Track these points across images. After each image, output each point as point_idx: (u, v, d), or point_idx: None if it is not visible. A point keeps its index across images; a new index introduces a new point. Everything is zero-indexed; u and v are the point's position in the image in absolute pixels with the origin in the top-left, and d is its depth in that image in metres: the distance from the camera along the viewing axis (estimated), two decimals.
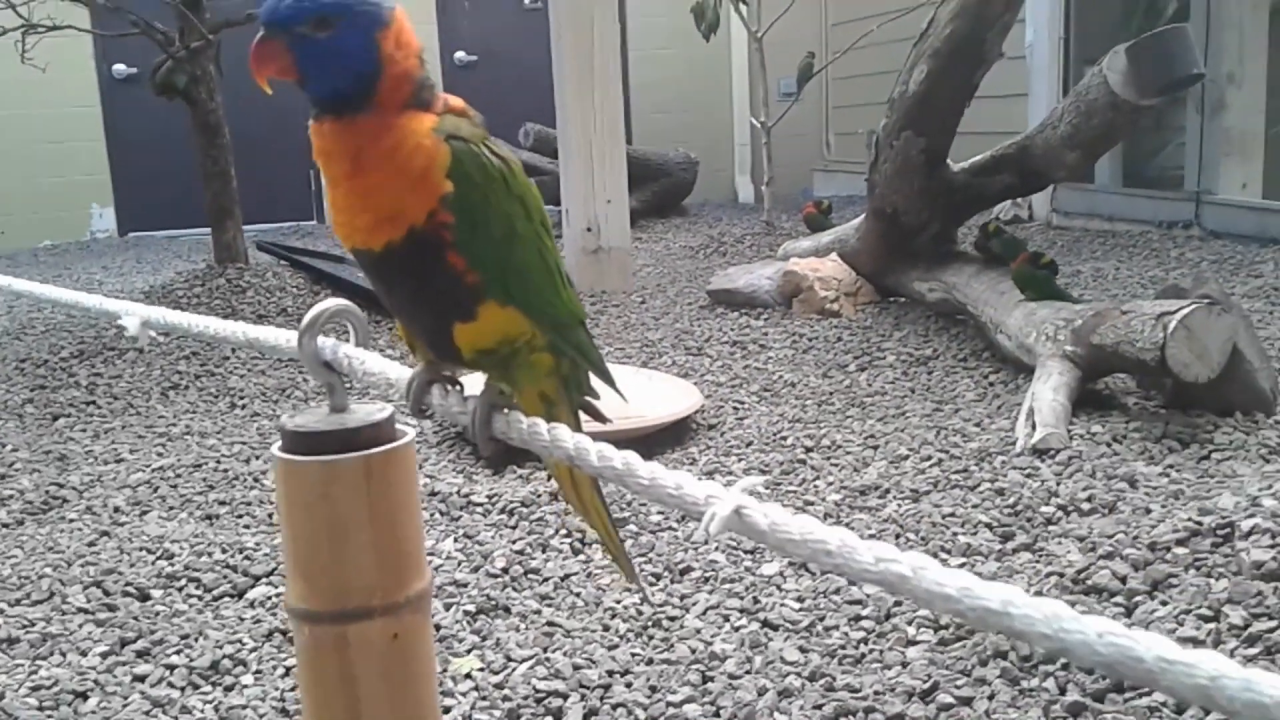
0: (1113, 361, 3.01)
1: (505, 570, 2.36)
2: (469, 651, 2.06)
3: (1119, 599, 1.83)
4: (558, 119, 5.46)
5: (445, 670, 1.98)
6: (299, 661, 0.80)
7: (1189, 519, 1.95)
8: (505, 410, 0.96)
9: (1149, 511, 2.27)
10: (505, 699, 1.88)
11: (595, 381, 1.19)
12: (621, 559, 1.34)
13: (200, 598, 2.35)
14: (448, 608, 2.20)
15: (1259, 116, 5.88)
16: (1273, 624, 1.59)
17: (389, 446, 0.80)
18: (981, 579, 0.52)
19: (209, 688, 2.00)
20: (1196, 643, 1.61)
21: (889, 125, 4.17)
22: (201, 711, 1.91)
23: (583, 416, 1.18)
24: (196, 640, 2.15)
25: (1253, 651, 1.56)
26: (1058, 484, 2.56)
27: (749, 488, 0.65)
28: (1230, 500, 1.97)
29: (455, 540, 2.54)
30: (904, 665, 1.89)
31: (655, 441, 3.18)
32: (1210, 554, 1.83)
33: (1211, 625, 1.63)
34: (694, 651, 2.00)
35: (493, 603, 2.22)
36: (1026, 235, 6.01)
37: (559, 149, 5.60)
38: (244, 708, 1.89)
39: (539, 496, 2.73)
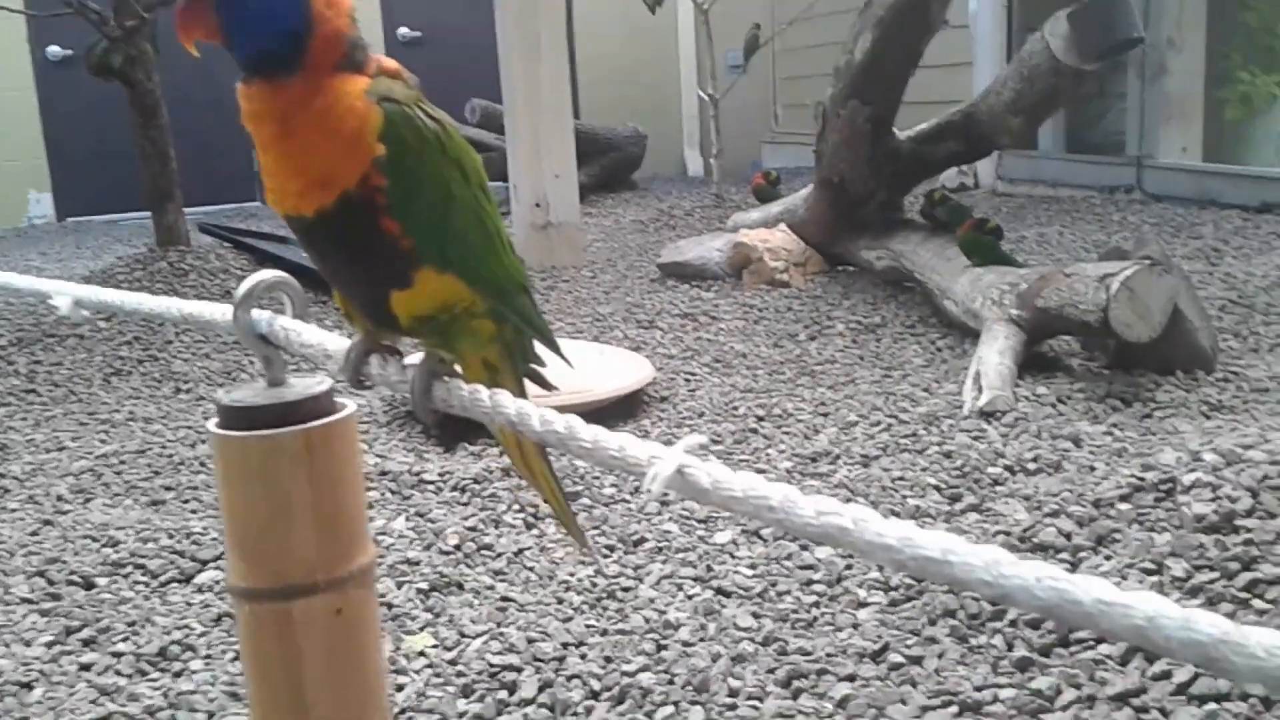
0: (1057, 324, 3.05)
1: (458, 547, 2.35)
2: (422, 629, 2.05)
3: (1064, 555, 1.86)
4: (503, 94, 5.41)
5: (398, 648, 1.97)
6: (242, 641, 0.79)
7: (1132, 475, 1.98)
8: (446, 378, 0.95)
9: (1093, 469, 2.30)
10: (459, 674, 1.87)
11: (545, 352, 1.18)
12: (573, 528, 1.33)
13: (147, 584, 2.32)
14: (400, 586, 2.19)
15: (1198, 81, 5.97)
16: (1214, 575, 1.62)
17: (329, 419, 0.78)
18: (921, 530, 0.52)
19: (157, 674, 1.97)
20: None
21: (835, 94, 4.17)
22: (150, 698, 1.88)
23: (537, 391, 1.16)
24: (144, 627, 2.12)
25: (1195, 603, 1.58)
26: (1004, 445, 2.59)
27: (691, 446, 0.65)
28: (1172, 456, 2.01)
29: (407, 519, 2.52)
30: (855, 627, 1.90)
31: (608, 415, 3.17)
32: (1153, 509, 1.86)
33: (1155, 578, 1.66)
34: (648, 621, 2.01)
35: (445, 580, 2.21)
36: (972, 202, 6.06)
37: (505, 124, 5.55)
38: (193, 693, 1.87)
39: (491, 473, 2.72)
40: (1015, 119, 3.66)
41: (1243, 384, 2.94)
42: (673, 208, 7.21)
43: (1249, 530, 1.64)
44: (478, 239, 1.02)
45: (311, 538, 0.74)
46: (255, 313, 0.90)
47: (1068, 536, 1.89)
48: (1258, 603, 1.54)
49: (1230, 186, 5.48)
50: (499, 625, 2.02)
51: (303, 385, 0.82)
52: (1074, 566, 1.81)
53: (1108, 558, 1.78)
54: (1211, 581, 1.59)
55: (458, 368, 1.04)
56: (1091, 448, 2.51)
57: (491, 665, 1.88)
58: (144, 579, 2.33)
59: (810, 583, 2.10)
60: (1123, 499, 1.91)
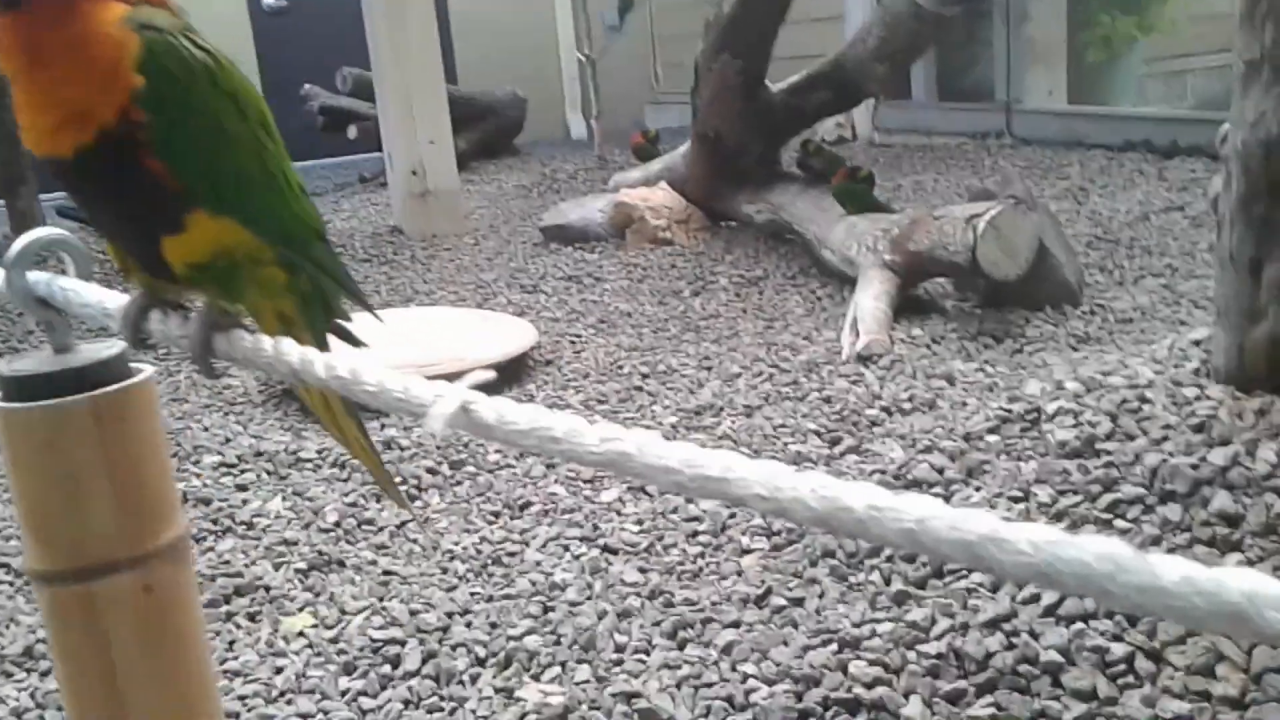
0: (929, 266, 3.10)
1: (338, 524, 2.29)
2: (301, 609, 2.00)
3: (937, 489, 1.89)
4: (371, 60, 5.27)
5: (276, 630, 1.92)
6: (46, 628, 0.74)
7: (1000, 408, 2.02)
8: (228, 330, 0.87)
9: (965, 405, 2.35)
10: (340, 652, 1.82)
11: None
12: (389, 488, 1.30)
13: (11, 583, 2.21)
14: (278, 568, 2.13)
15: (1061, 25, 6.12)
16: (1078, 498, 1.66)
17: (121, 385, 0.73)
18: (702, 449, 0.50)
19: (23, 674, 1.88)
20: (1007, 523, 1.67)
21: (707, 48, 4.16)
22: (16, 699, 1.80)
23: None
24: (8, 628, 2.02)
25: (1060, 526, 1.62)
26: (881, 387, 2.63)
27: (476, 382, 0.62)
28: (1037, 386, 2.05)
29: (284, 498, 2.45)
30: (739, 574, 1.91)
31: (491, 381, 3.13)
32: (1019, 439, 1.90)
33: (1022, 505, 1.70)
34: (534, 584, 1.99)
35: (325, 558, 2.16)
36: (850, 154, 6.13)
37: (375, 91, 5.41)
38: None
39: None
40: (881, 66, 3.70)
41: (1108, 316, 3.03)
42: (556, 171, 7.14)
43: (1109, 453, 1.69)
44: (258, 180, 0.95)
45: (109, 512, 0.69)
46: (34, 274, 0.84)
47: (940, 471, 1.93)
48: (1119, 523, 1.59)
49: (1095, 127, 5.65)
50: (381, 600, 1.98)
51: (91, 350, 0.77)
52: (947, 499, 1.85)
53: (977, 489, 1.81)
54: (1075, 505, 1.64)
55: (248, 321, 0.98)
56: (964, 385, 2.56)
57: (374, 640, 1.85)
58: (8, 578, 2.22)
59: (695, 534, 2.10)
60: (991, 431, 1.95)
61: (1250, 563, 1.44)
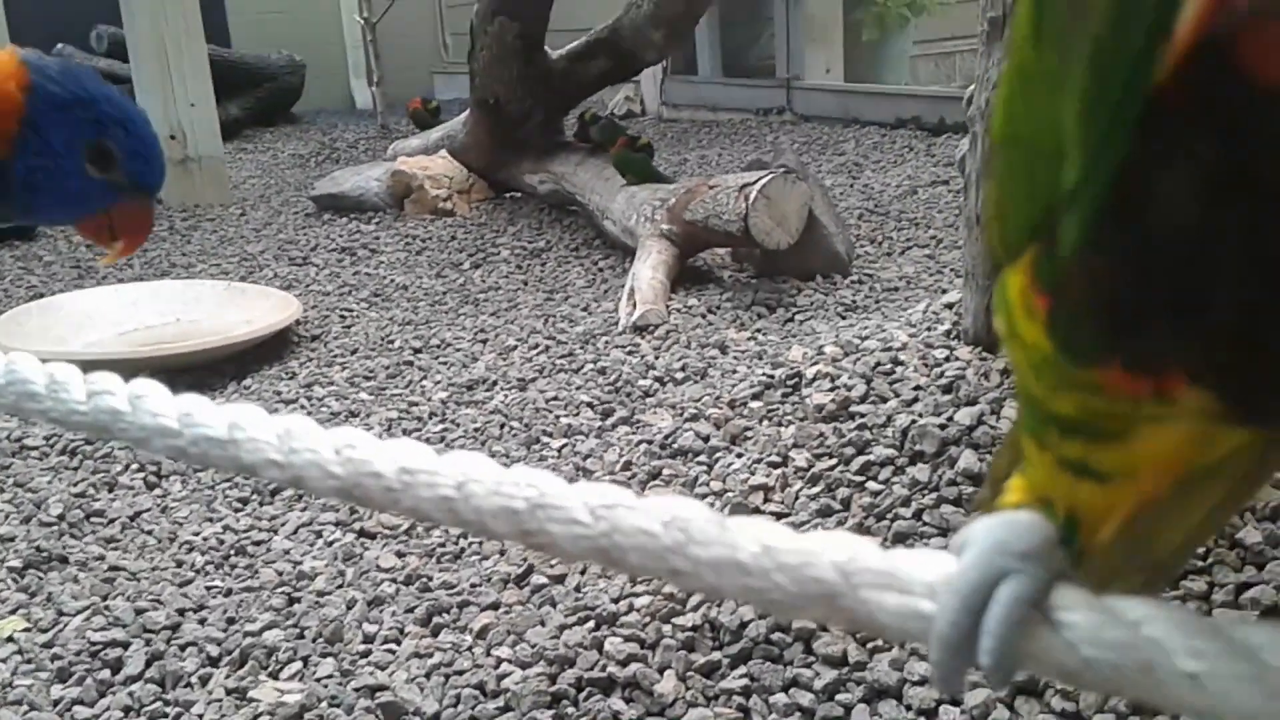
0: (705, 236, 3.09)
1: (61, 517, 2.07)
2: (13, 612, 1.79)
3: (702, 457, 1.86)
4: (123, 17, 4.87)
5: None
6: None
7: (764, 374, 2.01)
8: None
9: (735, 373, 2.34)
10: (55, 658, 1.64)
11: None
12: None
13: None
14: None
15: (837, 3, 6.27)
16: (833, 461, 1.65)
17: None
18: (213, 405, 0.41)
19: None
20: (767, 489, 1.65)
21: (482, 9, 4.03)
22: None
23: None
24: None
25: (815, 490, 1.62)
26: (656, 358, 2.59)
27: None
28: (799, 352, 2.05)
29: (3, 491, 2.20)
30: (501, 554, 1.83)
31: (251, 358, 2.93)
32: (781, 404, 1.89)
33: (780, 470, 1.68)
34: (280, 574, 1.85)
35: (44, 554, 1.94)
36: (640, 128, 6.11)
37: (129, 51, 5.00)
38: None
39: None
40: (657, 32, 3.66)
41: (875, 285, 3.10)
42: (336, 141, 6.84)
43: (863, 416, 1.69)
44: None
45: None
46: None
47: (705, 439, 1.90)
48: (872, 484, 1.59)
49: (869, 104, 5.82)
50: (104, 599, 1.79)
51: None
52: (710, 466, 1.82)
53: (739, 455, 1.79)
54: (831, 468, 1.63)
55: None
56: (736, 353, 2.56)
57: (93, 643, 1.67)
58: None
59: None
60: (754, 397, 1.94)
61: None
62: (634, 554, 0.30)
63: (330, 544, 1.94)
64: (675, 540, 0.29)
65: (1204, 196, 0.35)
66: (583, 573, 1.70)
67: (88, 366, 0.70)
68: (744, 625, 1.42)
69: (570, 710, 1.37)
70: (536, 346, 2.85)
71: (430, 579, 1.78)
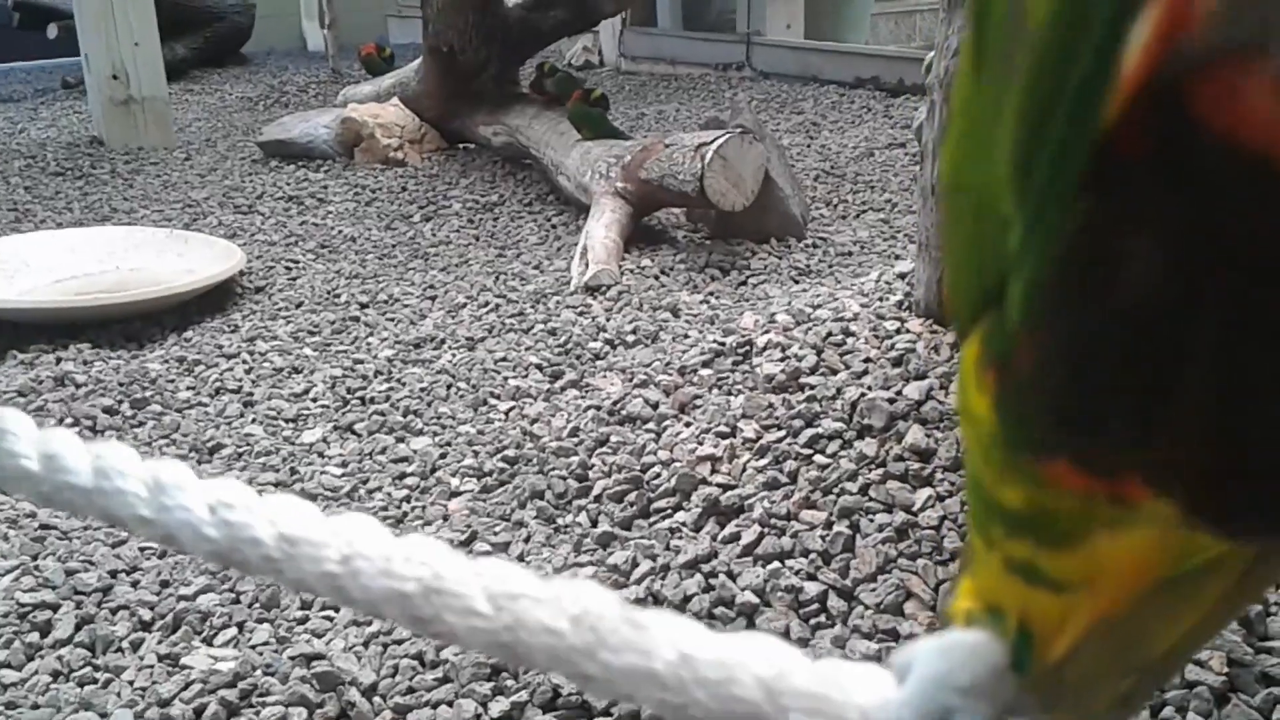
0: (659, 195, 3.05)
1: None
2: None
3: (650, 425, 1.84)
4: None
5: None
6: None
7: (714, 341, 1.99)
8: None
9: (687, 338, 2.32)
10: None
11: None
12: None
13: None
14: None
15: None
16: (781, 434, 1.64)
17: None
18: (80, 445, 0.38)
19: None
20: (714, 460, 1.64)
21: None
22: None
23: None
24: None
25: (762, 462, 1.60)
26: (607, 319, 2.56)
27: None
28: (751, 319, 2.03)
29: None
30: (445, 519, 1.80)
31: (192, 310, 2.86)
32: (731, 372, 1.87)
33: (728, 441, 1.66)
34: None
35: None
36: (597, 80, 6.03)
37: None
38: None
39: (41, 383, 2.36)
40: None
41: (829, 249, 3.08)
42: (286, 84, 6.67)
43: (812, 387, 1.68)
44: None
45: None
46: None
47: (654, 406, 1.88)
48: (819, 458, 1.58)
49: (829, 63, 5.78)
50: (35, 559, 1.74)
51: None
52: (658, 435, 1.80)
53: (688, 424, 1.77)
54: (779, 440, 1.62)
55: None
56: (689, 317, 2.53)
57: (21, 605, 1.62)
58: None
59: (403, 476, 1.98)
60: (705, 364, 1.92)
61: (940, 498, 1.46)
62: (540, 654, 0.27)
63: None
64: (584, 642, 0.26)
65: (1164, 267, 0.29)
66: (527, 540, 1.68)
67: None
68: (687, 599, 1.41)
69: (510, 683, 1.35)
70: (486, 305, 2.80)
71: None
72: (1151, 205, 0.29)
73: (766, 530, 1.47)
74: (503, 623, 0.28)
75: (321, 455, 2.09)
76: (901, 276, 1.95)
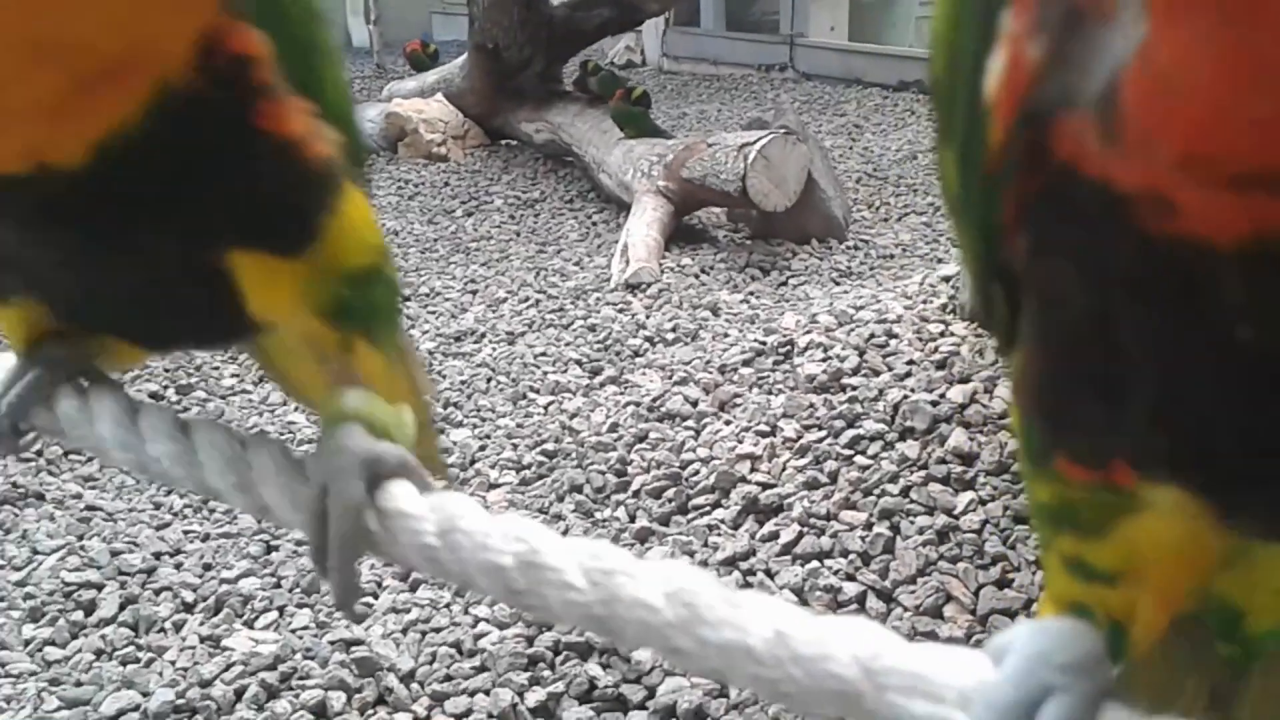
0: (701, 195, 3.05)
1: (39, 453, 2.05)
2: None
3: (689, 422, 1.84)
4: None
5: None
6: None
7: (755, 340, 1.98)
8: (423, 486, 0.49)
9: (727, 336, 2.31)
10: (27, 597, 1.62)
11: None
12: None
13: None
14: None
15: None
16: (822, 434, 1.64)
17: None
18: None
19: None
20: (754, 458, 1.63)
21: None
22: None
23: None
24: None
25: (803, 462, 1.60)
26: (647, 317, 2.56)
27: None
28: (792, 319, 2.03)
29: None
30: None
31: None
32: (772, 371, 1.87)
33: (768, 440, 1.66)
34: (258, 521, 1.82)
35: (21, 491, 1.92)
36: (640, 79, 6.03)
37: None
38: None
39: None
40: None
41: (871, 251, 3.07)
42: None
43: (854, 389, 1.67)
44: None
45: None
46: None
47: (694, 404, 1.88)
48: (860, 459, 1.57)
49: (872, 65, 5.75)
50: (81, 539, 1.77)
51: None
52: (698, 433, 1.80)
53: (728, 422, 1.77)
54: (819, 440, 1.61)
55: (408, 419, 0.55)
56: (728, 316, 2.53)
57: (67, 584, 1.65)
58: None
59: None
60: (745, 364, 1.91)
61: (983, 501, 1.45)
62: (633, 628, 0.27)
63: None
64: (679, 617, 0.26)
65: (1080, 284, 0.33)
66: (565, 534, 1.68)
67: None
68: None
69: (546, 673, 1.36)
70: (527, 300, 2.82)
71: None
72: (1055, 234, 0.33)
73: (806, 529, 1.46)
74: (598, 596, 0.29)
75: None
76: (946, 280, 1.94)
